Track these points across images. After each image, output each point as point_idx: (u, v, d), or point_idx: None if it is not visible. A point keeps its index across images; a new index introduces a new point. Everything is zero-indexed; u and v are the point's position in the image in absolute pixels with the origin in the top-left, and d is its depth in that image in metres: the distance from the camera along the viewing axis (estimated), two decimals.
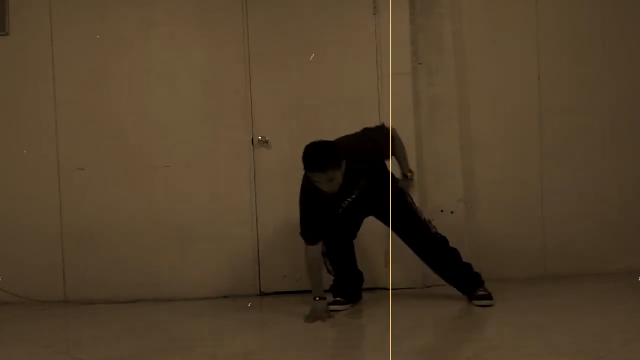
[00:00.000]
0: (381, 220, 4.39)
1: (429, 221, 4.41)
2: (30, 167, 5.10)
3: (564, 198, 5.19)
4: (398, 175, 4.40)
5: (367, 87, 4.98)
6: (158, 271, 5.05)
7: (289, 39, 5.07)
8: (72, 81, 5.09)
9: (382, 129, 4.26)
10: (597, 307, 4.16)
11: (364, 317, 4.29)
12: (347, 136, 4.20)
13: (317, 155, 3.88)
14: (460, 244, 4.60)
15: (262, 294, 5.07)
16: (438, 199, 5.12)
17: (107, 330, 4.20)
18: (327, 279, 4.47)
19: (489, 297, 4.31)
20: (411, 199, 4.39)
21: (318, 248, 4.19)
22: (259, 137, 5.07)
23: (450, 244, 4.40)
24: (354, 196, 4.19)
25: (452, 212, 5.11)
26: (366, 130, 4.24)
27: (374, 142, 4.17)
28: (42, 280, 5.06)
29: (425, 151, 5.09)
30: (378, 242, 4.87)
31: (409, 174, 4.37)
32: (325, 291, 4.32)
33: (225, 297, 4.99)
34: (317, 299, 4.20)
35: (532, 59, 5.19)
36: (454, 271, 4.42)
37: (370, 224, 4.47)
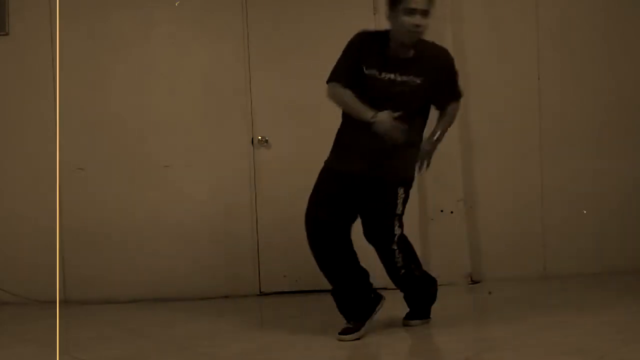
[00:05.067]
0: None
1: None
2: (30, 167, 5.10)
3: (563, 198, 5.19)
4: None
5: None
6: (158, 271, 5.05)
7: (289, 39, 5.07)
8: (72, 81, 5.08)
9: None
10: (596, 307, 4.16)
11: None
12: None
13: None
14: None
15: (262, 294, 5.07)
16: (438, 199, 5.12)
17: (107, 330, 4.20)
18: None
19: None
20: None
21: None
22: (259, 137, 5.08)
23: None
24: (400, 78, 3.69)
25: (452, 212, 5.11)
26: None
27: (451, 73, 3.86)
28: (42, 280, 5.05)
29: None
30: None
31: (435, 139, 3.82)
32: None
33: (226, 297, 4.99)
34: (373, 116, 3.59)
35: (532, 59, 5.19)
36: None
37: None
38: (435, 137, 3.84)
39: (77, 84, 5.09)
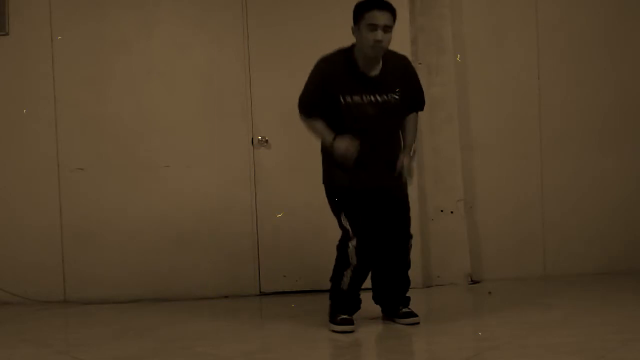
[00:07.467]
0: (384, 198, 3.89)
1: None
2: (30, 167, 5.10)
3: (564, 197, 5.19)
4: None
5: None
6: (158, 271, 5.04)
7: (289, 39, 5.07)
8: (72, 81, 5.08)
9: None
10: (596, 307, 4.17)
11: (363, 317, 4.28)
12: None
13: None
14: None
15: (262, 294, 5.07)
16: (438, 199, 5.12)
17: (107, 330, 4.20)
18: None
19: (414, 314, 3.96)
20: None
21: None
22: (259, 137, 5.08)
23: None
24: (381, 99, 3.82)
25: (452, 212, 5.11)
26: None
27: (417, 81, 4.00)
28: (42, 280, 5.05)
29: (425, 151, 5.08)
30: None
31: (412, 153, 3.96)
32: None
33: (226, 297, 4.99)
34: (334, 139, 3.79)
35: (532, 59, 5.19)
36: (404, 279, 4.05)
37: None
38: (412, 153, 3.98)
39: (76, 83, 5.08)
